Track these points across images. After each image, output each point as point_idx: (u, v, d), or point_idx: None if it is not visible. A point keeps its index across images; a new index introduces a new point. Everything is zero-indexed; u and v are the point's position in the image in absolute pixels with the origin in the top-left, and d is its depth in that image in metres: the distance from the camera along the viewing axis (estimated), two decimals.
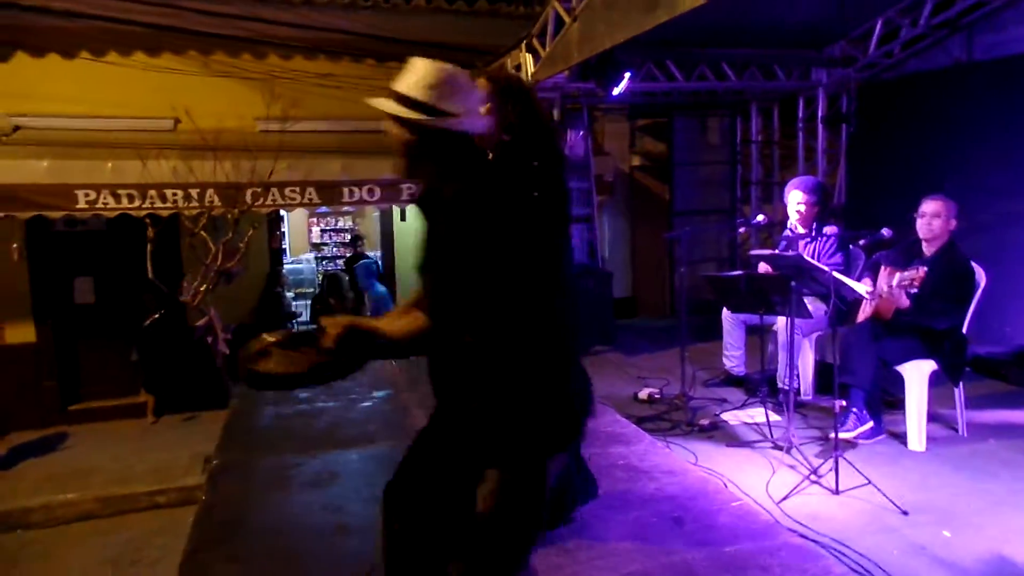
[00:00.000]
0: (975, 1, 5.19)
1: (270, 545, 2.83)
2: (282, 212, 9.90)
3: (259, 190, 6.75)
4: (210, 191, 6.60)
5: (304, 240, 13.53)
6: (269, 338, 1.79)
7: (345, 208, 11.45)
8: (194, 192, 6.58)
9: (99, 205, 6.39)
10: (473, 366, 1.79)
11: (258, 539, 2.87)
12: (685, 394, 4.69)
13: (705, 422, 4.40)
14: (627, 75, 5.31)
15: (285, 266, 10.10)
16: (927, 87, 5.79)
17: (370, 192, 7.39)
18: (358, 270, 8.62)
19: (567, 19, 4.78)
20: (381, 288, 8.54)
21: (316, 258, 13.04)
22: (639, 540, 2.79)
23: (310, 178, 7.02)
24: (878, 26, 5.73)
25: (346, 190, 7.27)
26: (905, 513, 3.12)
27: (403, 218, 8.62)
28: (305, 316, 9.33)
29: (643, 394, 4.94)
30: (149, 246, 6.77)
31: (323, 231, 13.52)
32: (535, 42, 5.44)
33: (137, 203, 6.47)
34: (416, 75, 1.74)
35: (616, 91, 5.45)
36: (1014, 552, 2.82)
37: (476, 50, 7.37)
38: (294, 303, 9.57)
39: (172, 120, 7.21)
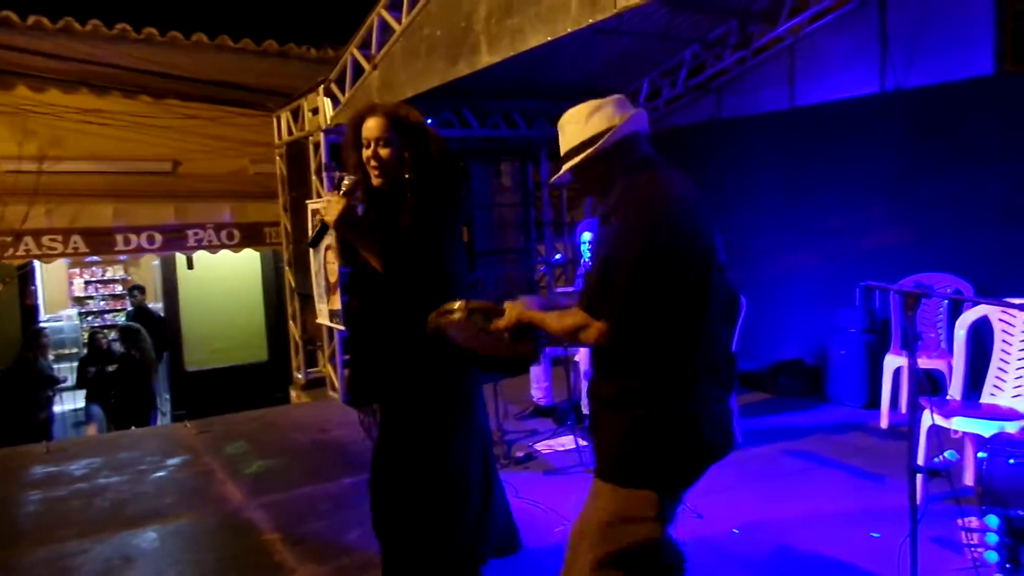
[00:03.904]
0: (719, 69, 6.11)
1: None
2: (35, 264, 8.65)
3: (9, 239, 5.89)
4: None
5: (63, 294, 11.85)
6: (457, 305, 1.94)
7: (117, 256, 10.29)
8: None
9: None
10: (605, 369, 1.90)
11: None
12: (500, 428, 4.81)
13: (520, 454, 4.55)
14: (428, 121, 5.45)
15: (42, 324, 8.78)
16: (687, 139, 6.65)
17: (149, 239, 6.80)
18: None
19: (367, 66, 4.82)
20: None
21: (80, 314, 11.47)
22: None
23: (75, 225, 6.30)
24: (645, 85, 6.50)
25: (120, 237, 6.61)
26: (700, 516, 3.46)
27: (190, 266, 7.95)
28: (71, 380, 8.14)
29: None
30: None
31: (87, 283, 11.94)
32: (333, 87, 5.39)
33: None
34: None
35: None
36: (789, 540, 3.26)
37: (266, 91, 7.13)
38: (56, 366, 8.31)
39: None
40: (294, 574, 2.92)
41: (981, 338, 3.72)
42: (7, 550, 3.23)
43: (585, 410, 4.98)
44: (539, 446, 4.73)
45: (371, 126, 2.35)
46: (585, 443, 4.51)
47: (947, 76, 4.85)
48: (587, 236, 5.09)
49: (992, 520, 2.35)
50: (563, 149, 1.94)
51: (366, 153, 2.36)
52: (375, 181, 2.38)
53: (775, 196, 5.79)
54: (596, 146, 1.85)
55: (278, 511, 3.58)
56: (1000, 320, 3.61)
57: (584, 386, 4.96)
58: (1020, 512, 2.29)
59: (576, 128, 1.90)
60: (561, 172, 1.96)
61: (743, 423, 4.64)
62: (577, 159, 1.88)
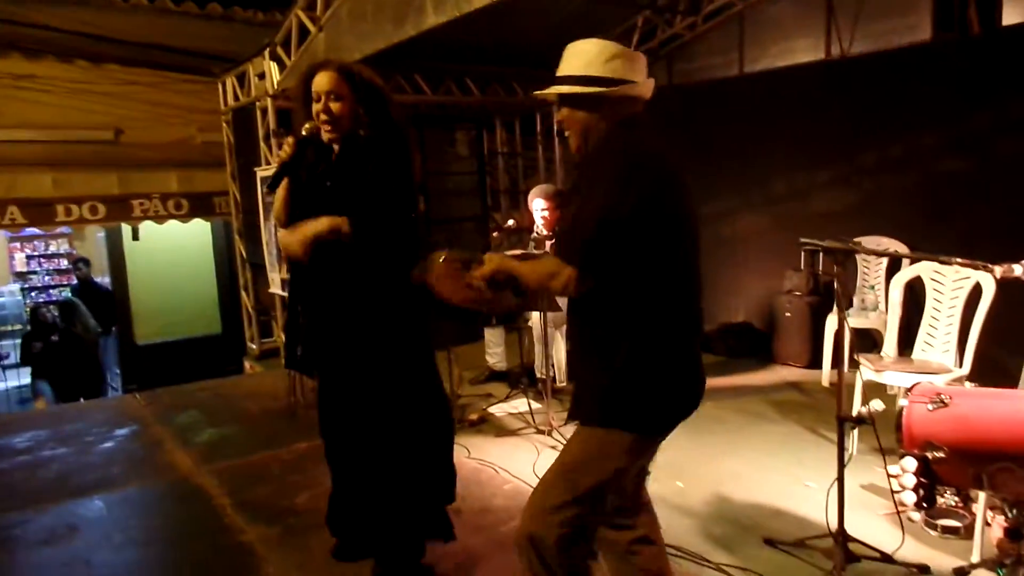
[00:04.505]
0: (670, 34, 6.14)
1: None
2: None
3: None
4: None
5: (4, 269, 11.46)
6: (441, 255, 1.96)
7: (60, 229, 9.96)
8: None
9: None
10: (585, 319, 1.90)
11: None
12: (453, 393, 4.86)
13: (474, 417, 4.60)
14: None
15: None
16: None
17: (92, 210, 6.60)
18: None
19: (312, 28, 4.72)
20: None
21: (22, 289, 11.12)
22: None
23: (11, 195, 6.08)
24: None
25: (60, 208, 6.41)
26: (648, 472, 3.57)
27: (135, 237, 7.74)
28: (14, 357, 7.92)
29: None
30: None
31: (30, 257, 11.56)
32: (279, 50, 5.26)
33: None
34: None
35: None
36: (729, 491, 3.39)
37: (211, 56, 6.92)
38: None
39: None
40: (244, 534, 2.93)
41: (917, 298, 3.87)
42: None
43: (538, 373, 5.07)
44: (493, 409, 4.80)
45: (321, 80, 2.32)
46: (537, 405, 4.59)
47: (888, 44, 4.97)
48: (540, 203, 5.11)
49: (909, 463, 2.48)
50: (566, 70, 1.89)
51: (316, 107, 2.32)
52: (326, 136, 2.36)
53: (725, 162, 5.88)
54: (606, 88, 1.81)
55: (229, 477, 3.58)
56: (932, 279, 3.77)
57: (537, 350, 5.03)
58: (934, 454, 2.42)
59: (593, 60, 1.84)
60: (554, 89, 1.90)
61: None
62: (579, 88, 1.84)
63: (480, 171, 8.51)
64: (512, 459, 3.85)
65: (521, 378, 4.99)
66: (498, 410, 4.78)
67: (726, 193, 6.01)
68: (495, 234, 7.69)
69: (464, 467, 3.60)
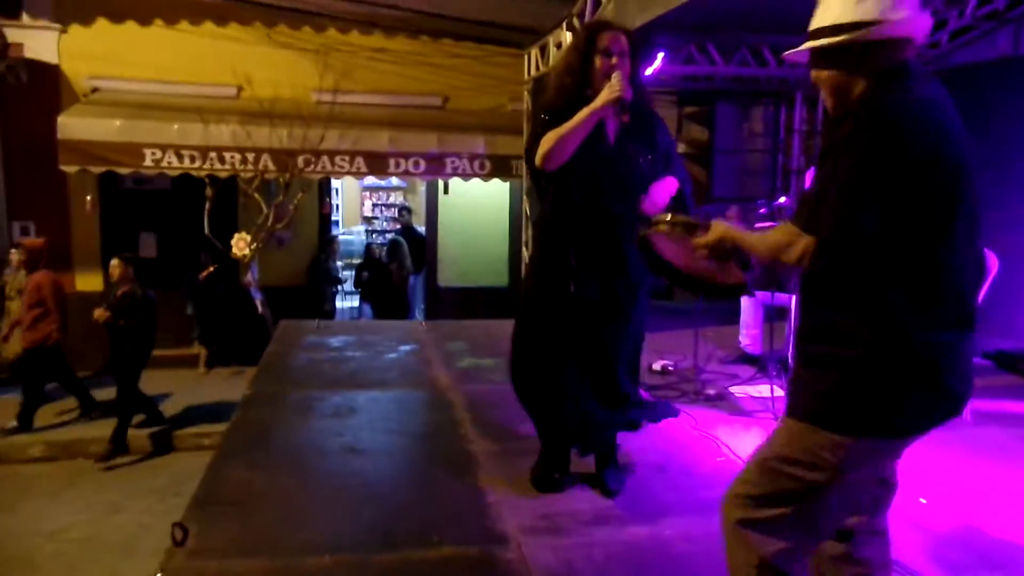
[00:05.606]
0: None
1: (286, 458, 3.19)
2: (335, 184, 10.34)
3: (310, 157, 7.15)
4: (265, 155, 7.04)
5: (356, 213, 14.02)
6: (666, 217, 1.87)
7: (395, 182, 11.85)
8: (250, 156, 7.05)
9: (164, 164, 6.90)
10: (820, 299, 1.66)
11: (276, 453, 3.22)
12: (697, 367, 4.82)
13: (712, 392, 4.53)
14: (660, 55, 5.41)
15: (337, 236, 10.53)
16: (972, 80, 5.71)
17: (415, 164, 7.72)
18: None
19: None
20: None
21: (367, 231, 13.50)
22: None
23: (358, 148, 7.39)
24: None
25: (392, 161, 7.62)
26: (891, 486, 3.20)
27: (446, 191, 8.90)
28: (351, 285, 9.78)
29: (657, 365, 5.09)
30: (207, 204, 7.26)
31: (375, 205, 13.99)
32: (575, 21, 5.59)
33: (198, 163, 6.97)
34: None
35: (648, 71, 5.56)
36: (982, 524, 2.90)
37: (521, 29, 7.57)
38: (343, 272, 9.99)
39: (235, 87, 7.67)
40: (472, 444, 3.37)
41: None
42: (277, 388, 4.21)
43: (792, 363, 4.77)
44: (733, 388, 4.66)
45: (616, 38, 2.50)
46: (783, 393, 4.35)
47: None
48: None
49: None
50: (815, 22, 1.66)
51: (607, 63, 2.48)
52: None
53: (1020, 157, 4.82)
54: (855, 34, 1.56)
55: (473, 398, 4.07)
56: None
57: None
58: None
59: (842, 6, 1.59)
60: (799, 49, 1.69)
61: (979, 403, 4.09)
62: (824, 41, 1.60)
63: (774, 150, 8.05)
64: (737, 438, 3.74)
65: (771, 363, 4.74)
66: (739, 391, 4.63)
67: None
68: (763, 211, 7.27)
69: (684, 435, 3.62)
